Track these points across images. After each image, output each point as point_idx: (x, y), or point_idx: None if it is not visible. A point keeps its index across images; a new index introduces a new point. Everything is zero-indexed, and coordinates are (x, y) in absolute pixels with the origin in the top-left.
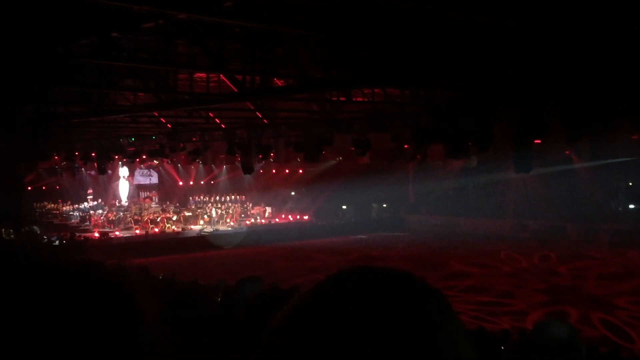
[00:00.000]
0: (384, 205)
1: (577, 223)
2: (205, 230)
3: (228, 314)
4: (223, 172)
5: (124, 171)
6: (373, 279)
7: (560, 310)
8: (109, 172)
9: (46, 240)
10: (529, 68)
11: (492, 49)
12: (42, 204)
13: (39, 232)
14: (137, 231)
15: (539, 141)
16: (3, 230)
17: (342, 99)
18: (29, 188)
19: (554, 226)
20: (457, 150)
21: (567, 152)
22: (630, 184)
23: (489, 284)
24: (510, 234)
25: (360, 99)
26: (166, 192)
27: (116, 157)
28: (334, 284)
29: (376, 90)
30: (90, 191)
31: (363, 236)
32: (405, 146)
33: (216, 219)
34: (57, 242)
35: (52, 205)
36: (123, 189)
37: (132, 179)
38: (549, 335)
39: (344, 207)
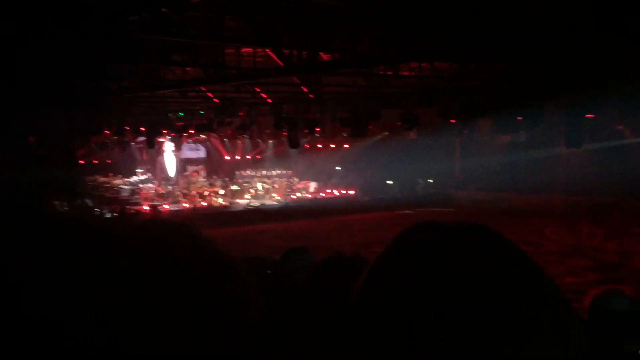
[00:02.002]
0: (430, 181)
1: (629, 200)
2: (251, 204)
3: (280, 286)
4: (269, 147)
5: (169, 145)
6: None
7: (615, 289)
8: (157, 146)
9: (98, 212)
10: (586, 43)
11: (546, 22)
12: (93, 178)
13: (91, 205)
14: (186, 205)
15: (591, 115)
16: (57, 203)
17: (389, 73)
18: (81, 162)
19: (604, 202)
20: (506, 125)
21: (620, 127)
22: None
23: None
24: (559, 210)
25: (407, 73)
26: (213, 166)
27: (165, 131)
28: (412, 235)
29: (423, 64)
30: (140, 171)
31: (408, 211)
32: (452, 121)
33: (263, 193)
34: (108, 215)
35: (104, 178)
36: (170, 162)
37: (179, 152)
38: (609, 306)
39: (389, 182)
